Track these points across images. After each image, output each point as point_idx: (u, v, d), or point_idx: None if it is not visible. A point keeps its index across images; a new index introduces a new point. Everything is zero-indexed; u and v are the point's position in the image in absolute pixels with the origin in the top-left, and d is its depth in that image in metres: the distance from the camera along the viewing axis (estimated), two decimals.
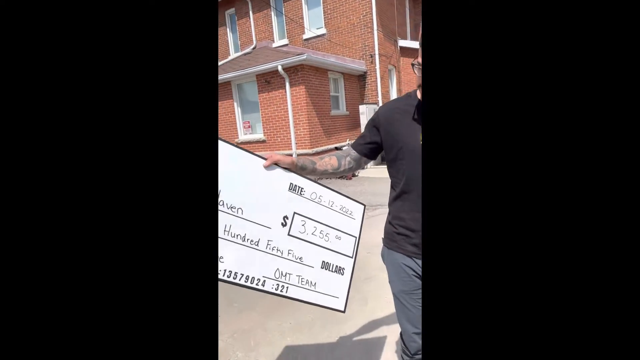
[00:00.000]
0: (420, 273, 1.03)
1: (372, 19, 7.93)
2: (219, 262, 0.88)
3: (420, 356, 1.13)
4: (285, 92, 6.80)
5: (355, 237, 1.17)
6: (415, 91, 1.02)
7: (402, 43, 9.25)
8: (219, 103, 7.79)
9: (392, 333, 1.79)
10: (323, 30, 8.63)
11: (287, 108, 6.88)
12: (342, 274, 1.13)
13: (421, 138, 0.94)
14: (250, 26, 9.80)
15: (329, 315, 2.04)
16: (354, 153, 1.15)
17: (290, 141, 6.97)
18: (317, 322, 1.96)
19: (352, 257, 1.16)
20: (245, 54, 8.98)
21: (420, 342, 1.10)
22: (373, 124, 1.09)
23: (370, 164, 7.39)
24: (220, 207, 0.90)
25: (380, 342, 1.74)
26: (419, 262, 1.01)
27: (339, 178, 6.65)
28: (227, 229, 0.90)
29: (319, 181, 1.11)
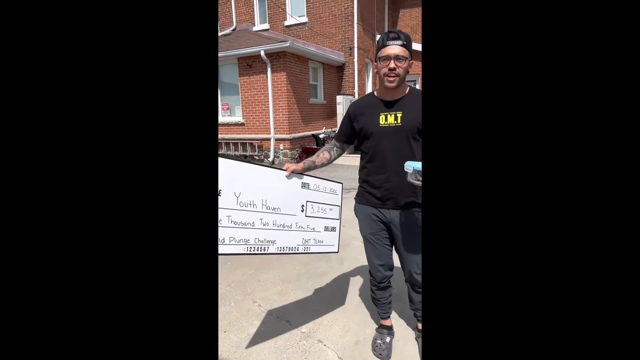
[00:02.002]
0: (382, 219, 1.45)
1: (353, 12, 8.23)
2: (272, 245, 1.36)
3: (384, 284, 1.55)
4: (267, 77, 6.98)
5: (339, 206, 1.70)
6: (373, 92, 1.46)
7: None
8: None
9: (362, 282, 2.21)
10: (305, 19, 8.79)
11: (267, 93, 7.06)
12: (335, 231, 1.66)
13: (379, 123, 1.36)
14: (231, 7, 9.70)
15: (312, 269, 2.43)
16: (338, 143, 1.58)
17: (269, 125, 7.19)
18: (302, 275, 2.34)
19: (338, 219, 1.68)
20: (224, 35, 8.94)
21: (384, 272, 1.53)
22: (347, 117, 1.51)
23: (346, 152, 7.82)
24: (265, 210, 1.35)
25: (353, 286, 2.16)
26: (382, 210, 1.44)
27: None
28: (274, 222, 1.38)
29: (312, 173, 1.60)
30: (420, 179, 1.09)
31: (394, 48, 1.25)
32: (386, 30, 11.08)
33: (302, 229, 1.49)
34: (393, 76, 1.27)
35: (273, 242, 1.38)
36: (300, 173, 1.49)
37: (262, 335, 1.70)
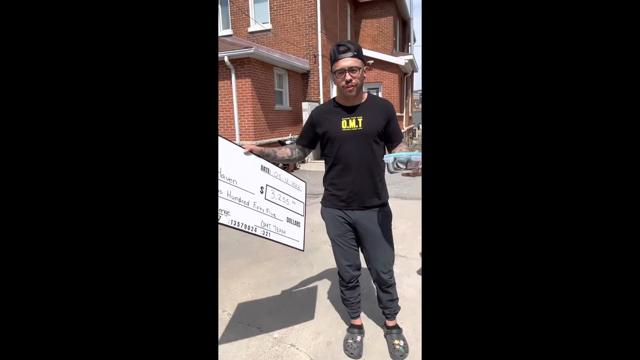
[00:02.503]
0: (348, 220, 1.50)
1: (317, 21, 8.39)
2: (226, 215, 1.26)
3: (353, 283, 1.60)
4: (231, 83, 6.89)
5: (303, 202, 1.67)
6: (334, 98, 1.51)
7: None
8: None
9: (331, 285, 2.25)
10: (269, 26, 8.82)
11: (232, 99, 6.97)
12: (299, 226, 1.62)
13: (342, 127, 1.42)
14: None
15: (282, 275, 2.43)
16: (299, 146, 1.61)
17: (235, 132, 7.08)
18: (272, 281, 2.34)
19: (303, 215, 1.66)
20: None
21: (352, 273, 1.58)
22: (310, 122, 1.55)
23: (310, 158, 7.88)
24: (222, 179, 1.28)
25: (323, 289, 2.19)
26: (347, 212, 1.49)
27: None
28: (229, 193, 1.30)
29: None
30: (402, 166, 1.16)
31: (346, 60, 1.32)
32: (349, 39, 11.36)
33: (261, 211, 1.42)
34: (351, 86, 1.34)
35: (227, 212, 1.27)
36: (259, 155, 1.46)
37: (233, 343, 1.67)
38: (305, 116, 7.98)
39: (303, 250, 1.61)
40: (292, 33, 8.69)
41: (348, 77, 1.32)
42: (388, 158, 1.19)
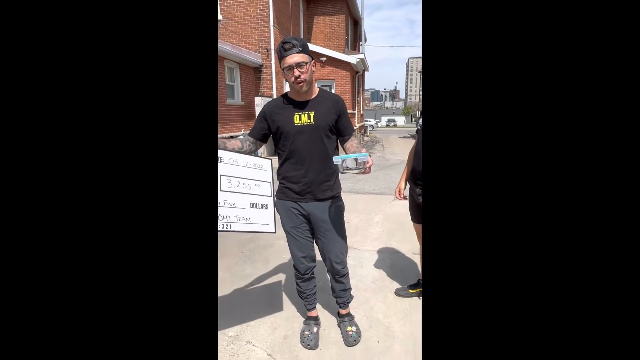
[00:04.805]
0: (302, 212, 1.52)
1: (269, 14, 8.25)
2: None
3: (308, 275, 1.63)
4: None
5: (269, 182, 1.60)
6: (286, 93, 1.50)
7: None
8: None
9: (287, 280, 2.26)
10: (219, 17, 8.48)
11: None
12: (267, 209, 1.56)
13: (294, 122, 1.43)
14: None
15: (236, 273, 2.38)
16: (251, 138, 1.58)
17: None
18: (226, 280, 2.28)
19: (270, 196, 1.58)
20: None
21: (307, 264, 1.61)
22: (262, 116, 1.54)
23: (264, 154, 7.77)
24: None
25: (279, 285, 2.20)
26: (301, 203, 1.51)
27: None
28: None
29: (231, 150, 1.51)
30: (351, 166, 1.22)
31: (293, 57, 1.34)
32: (302, 34, 11.32)
33: (218, 205, 1.39)
34: (301, 82, 1.36)
35: None
36: None
37: None
38: (258, 111, 7.83)
39: (275, 232, 1.56)
40: (244, 25, 8.45)
41: (296, 72, 1.34)
42: (337, 160, 1.25)
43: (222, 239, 3.01)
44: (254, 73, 8.71)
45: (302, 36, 11.03)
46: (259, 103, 7.80)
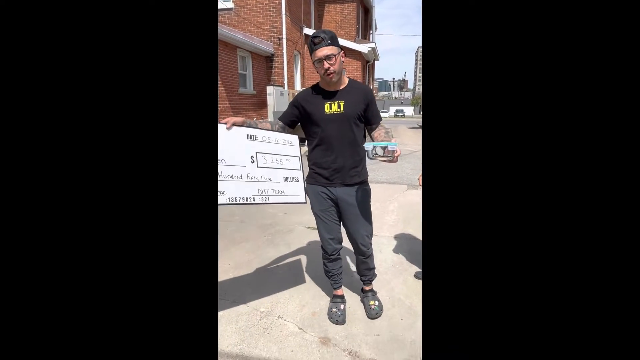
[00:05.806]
0: (330, 196, 1.62)
1: (281, 3, 8.21)
2: (222, 195, 1.34)
3: (335, 256, 1.74)
4: None
5: (298, 157, 1.71)
6: (318, 83, 1.58)
7: (307, 31, 9.81)
8: None
9: (310, 262, 2.37)
10: (231, 4, 8.46)
11: None
12: (298, 181, 1.68)
13: (325, 111, 1.52)
14: None
15: (261, 255, 2.49)
16: (280, 122, 1.68)
17: None
18: (253, 261, 2.40)
19: (300, 170, 1.70)
20: None
21: (334, 245, 1.71)
22: (294, 104, 1.64)
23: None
24: None
25: (302, 266, 2.31)
26: (330, 188, 1.61)
27: None
28: (221, 174, 1.37)
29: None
30: (380, 154, 1.31)
31: (322, 50, 1.42)
32: (313, 23, 11.20)
33: (256, 180, 1.50)
34: (331, 73, 1.45)
35: (222, 192, 1.36)
36: (242, 125, 1.52)
37: (221, 320, 1.73)
38: (270, 100, 7.87)
39: (305, 202, 1.67)
40: (256, 14, 8.43)
41: (326, 65, 1.42)
42: (368, 146, 1.34)
43: (244, 225, 3.13)
44: (265, 62, 8.72)
45: (312, 25, 10.94)
46: (271, 92, 7.82)
